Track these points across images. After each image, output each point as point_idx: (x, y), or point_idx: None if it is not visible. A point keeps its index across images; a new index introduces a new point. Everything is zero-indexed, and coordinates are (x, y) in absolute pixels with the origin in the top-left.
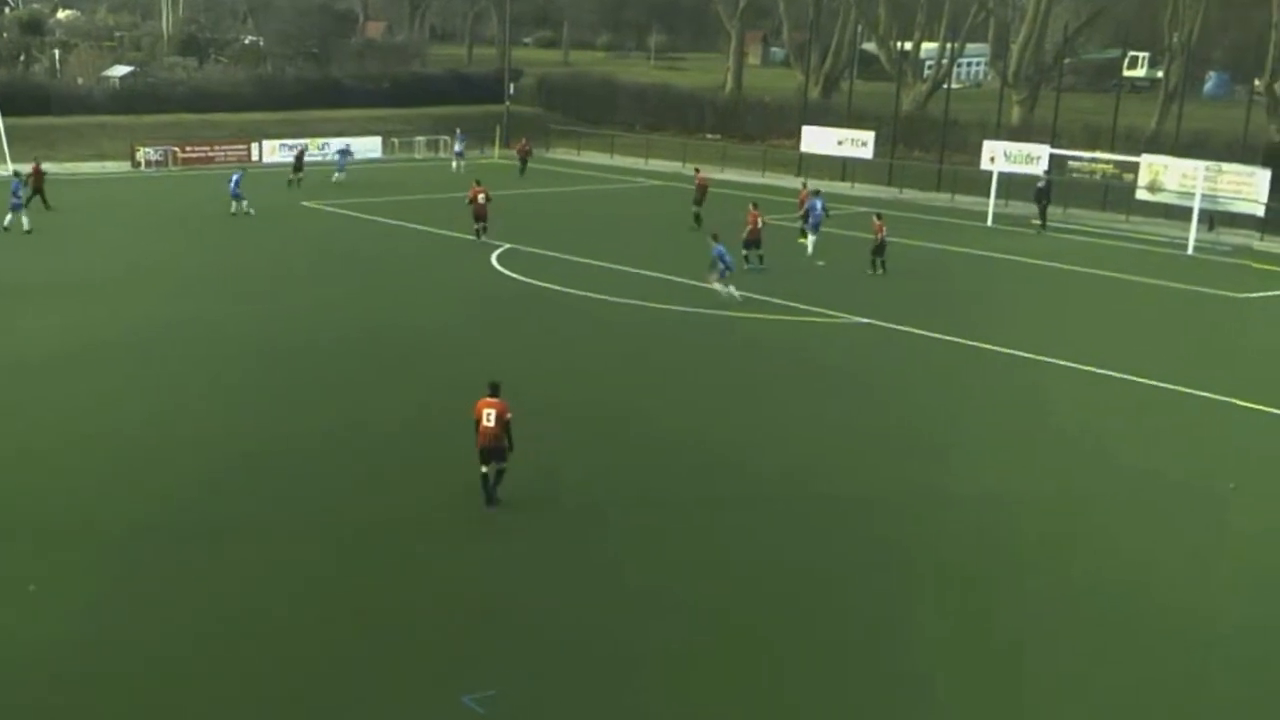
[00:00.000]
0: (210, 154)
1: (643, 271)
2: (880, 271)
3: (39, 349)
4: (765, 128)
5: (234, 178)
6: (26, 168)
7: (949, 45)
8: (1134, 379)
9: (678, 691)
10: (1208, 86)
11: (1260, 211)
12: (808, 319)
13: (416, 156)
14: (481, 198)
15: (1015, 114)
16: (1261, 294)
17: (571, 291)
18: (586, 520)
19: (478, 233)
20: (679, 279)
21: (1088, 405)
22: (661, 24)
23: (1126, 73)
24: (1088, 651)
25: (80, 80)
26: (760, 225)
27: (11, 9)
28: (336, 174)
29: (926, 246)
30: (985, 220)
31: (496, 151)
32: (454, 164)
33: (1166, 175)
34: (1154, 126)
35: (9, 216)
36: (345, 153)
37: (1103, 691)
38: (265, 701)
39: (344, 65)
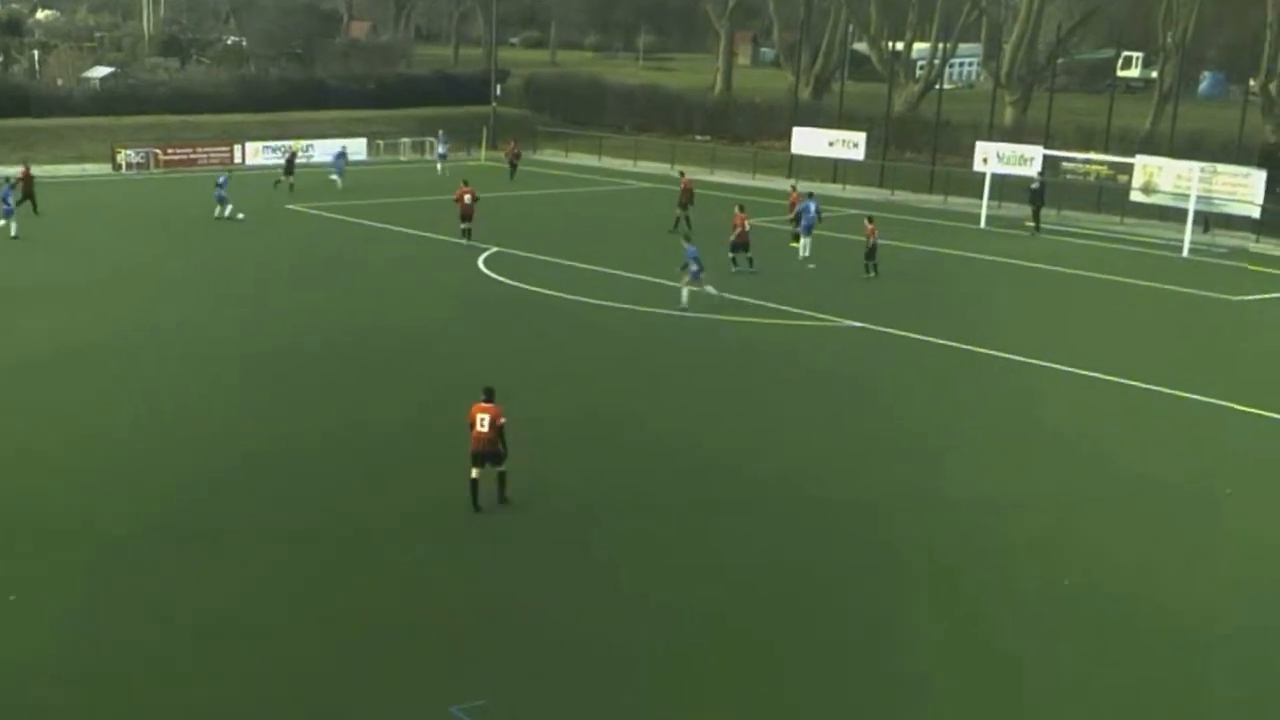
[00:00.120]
0: (192, 156)
1: (632, 275)
2: (872, 274)
3: (26, 352)
4: (755, 129)
5: (220, 180)
6: (11, 170)
7: (941, 45)
8: (1129, 382)
9: (674, 696)
10: (1202, 87)
11: (1256, 213)
12: (800, 322)
13: (402, 158)
14: (468, 198)
15: (1008, 115)
16: (1257, 296)
17: (560, 295)
18: (580, 524)
19: (465, 233)
20: (669, 282)
21: (1083, 409)
22: (650, 24)
23: (1120, 73)
24: (1085, 654)
25: (60, 81)
26: (747, 228)
27: None
28: (334, 177)
29: (919, 249)
30: (978, 222)
31: (483, 153)
32: (438, 166)
33: (1161, 177)
34: (1148, 127)
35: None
36: (342, 155)
37: (1100, 694)
38: (261, 702)
39: (328, 66)
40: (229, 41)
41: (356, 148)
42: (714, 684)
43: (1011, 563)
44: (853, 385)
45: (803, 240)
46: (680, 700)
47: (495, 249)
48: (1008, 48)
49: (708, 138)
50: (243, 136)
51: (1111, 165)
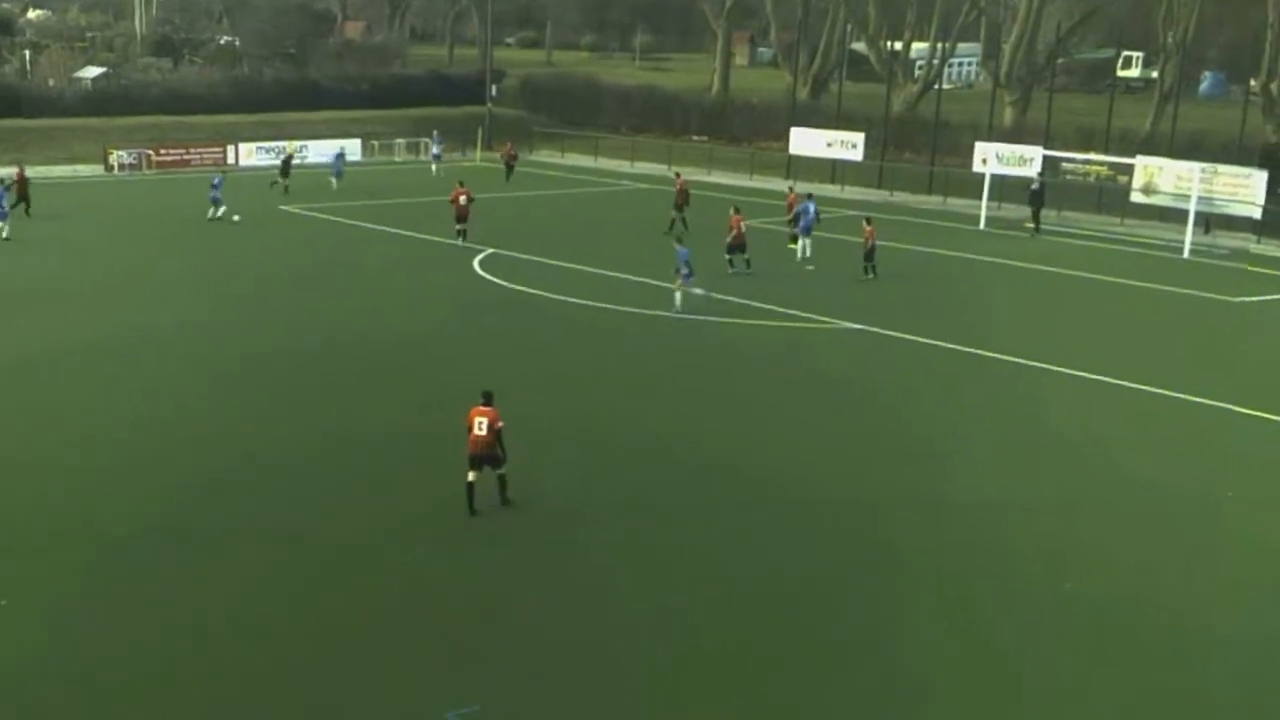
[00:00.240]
0: (185, 157)
1: (628, 276)
2: (870, 276)
3: (21, 354)
4: (753, 130)
5: (215, 181)
6: (6, 172)
7: (940, 45)
8: (1130, 385)
9: (671, 700)
10: (1203, 87)
11: (1257, 214)
12: (798, 324)
13: (397, 159)
14: (464, 199)
15: (1008, 115)
16: (1259, 298)
17: (556, 297)
18: (578, 526)
19: (461, 234)
20: (666, 284)
21: (1083, 411)
22: (646, 24)
23: (1120, 73)
24: (1085, 658)
25: (51, 82)
26: (744, 229)
27: None
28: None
29: (918, 250)
30: (978, 224)
31: (478, 154)
32: (433, 167)
33: (1162, 177)
34: (1149, 128)
35: None
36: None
37: (1100, 698)
38: (259, 703)
39: (322, 66)
40: (222, 41)
41: (351, 148)
42: (710, 688)
43: (1012, 566)
44: (852, 388)
45: (801, 241)
46: (677, 704)
47: (491, 250)
48: (1007, 47)
49: (705, 138)
50: (236, 137)
51: (1112, 166)
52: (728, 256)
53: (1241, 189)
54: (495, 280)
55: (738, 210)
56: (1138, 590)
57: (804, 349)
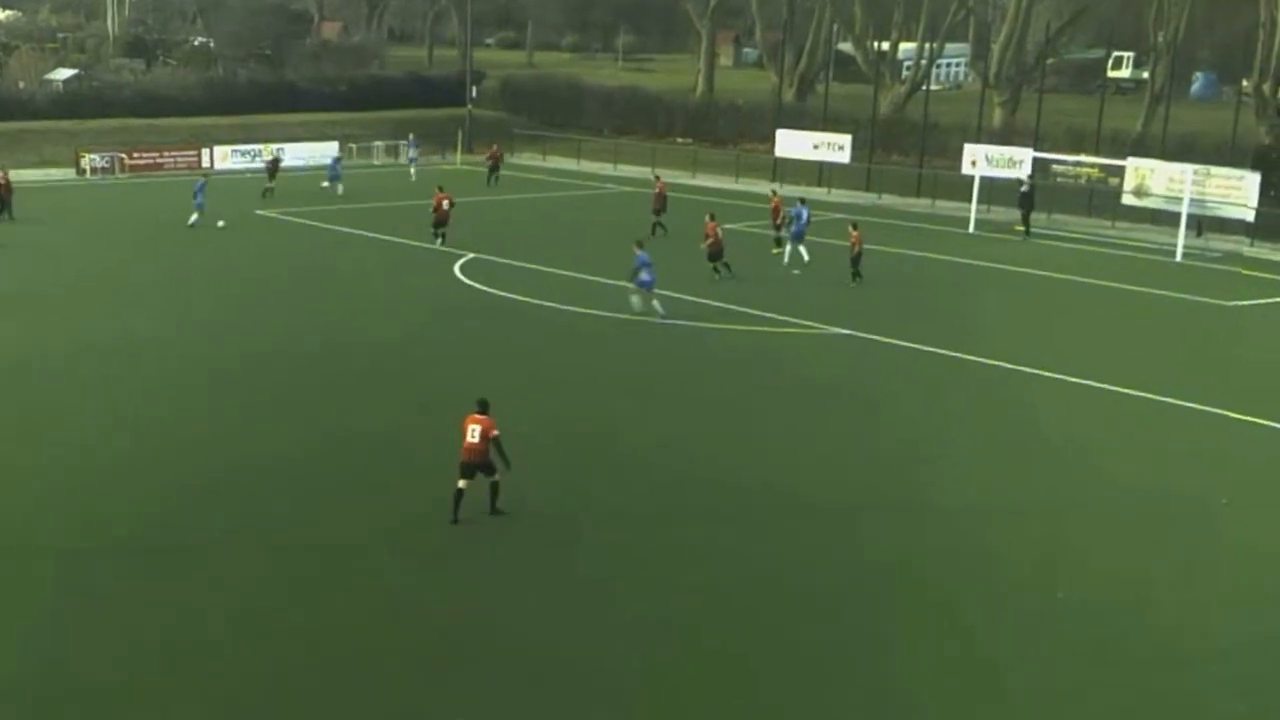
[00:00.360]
0: (159, 160)
1: (611, 281)
2: (855, 281)
3: None
4: (738, 131)
5: (198, 185)
6: None
7: (928, 45)
8: (1122, 390)
9: (656, 714)
10: (1195, 87)
11: (1250, 216)
12: (785, 330)
13: (375, 162)
14: (446, 204)
15: (997, 116)
16: (1252, 302)
17: (538, 302)
18: (561, 536)
19: (441, 237)
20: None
21: (1075, 418)
22: (629, 24)
23: (1111, 73)
24: (1078, 669)
25: (21, 84)
26: (720, 235)
27: None
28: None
29: (906, 254)
30: (967, 226)
31: (458, 157)
32: (411, 171)
33: (1153, 179)
34: (1140, 129)
35: None
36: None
37: (1094, 710)
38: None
39: (299, 68)
40: (196, 42)
41: (328, 151)
42: (704, 697)
43: (1003, 574)
44: (840, 393)
45: (790, 246)
46: (669, 712)
47: (471, 255)
48: (996, 47)
49: (689, 140)
50: (211, 140)
51: (1103, 168)
52: (712, 265)
53: (1234, 191)
54: (476, 285)
55: (713, 217)
56: (1132, 599)
57: (791, 354)
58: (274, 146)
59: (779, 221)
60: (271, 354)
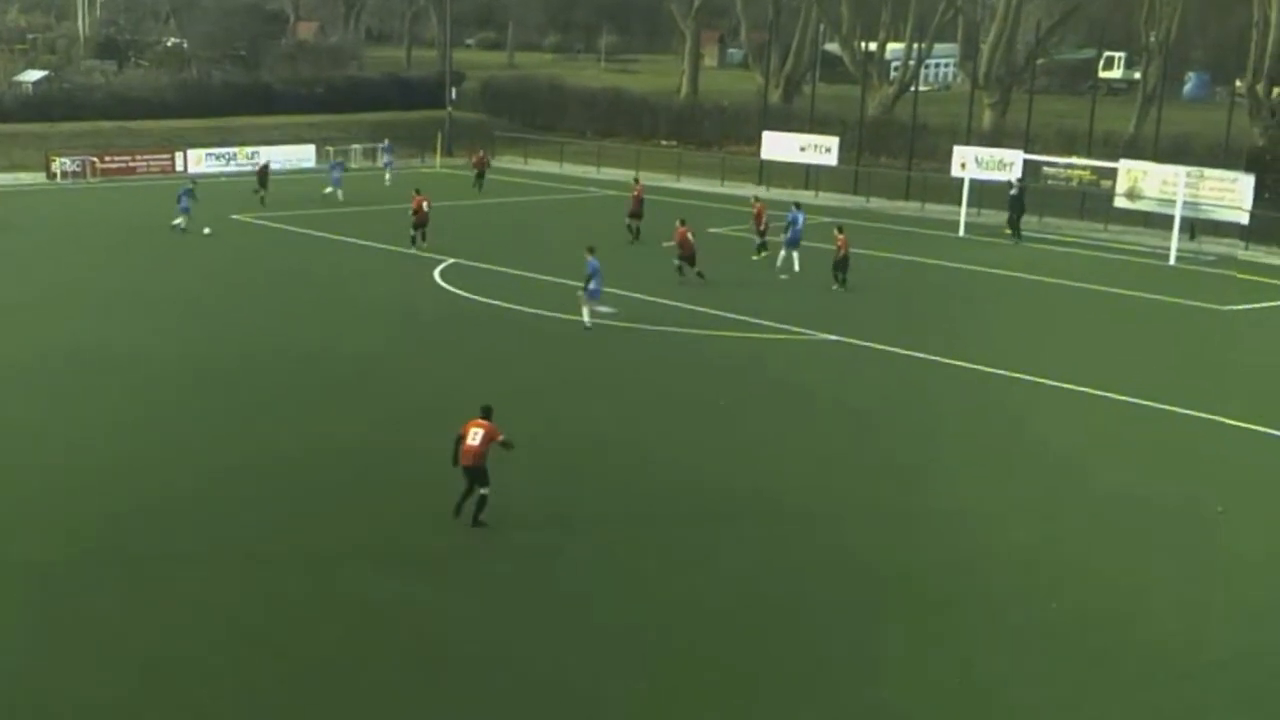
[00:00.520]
0: (131, 164)
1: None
2: (840, 287)
3: None
4: (723, 133)
5: (182, 190)
6: None
7: (916, 45)
8: (1115, 396)
9: None
10: (1187, 88)
11: (1244, 219)
12: (773, 336)
13: (353, 166)
14: (425, 205)
15: (987, 118)
16: (1247, 306)
17: (520, 309)
18: (545, 545)
19: (423, 238)
20: (635, 295)
21: (1067, 425)
22: (612, 24)
23: (1102, 74)
24: (1073, 682)
25: None
26: (691, 239)
27: None
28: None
29: (896, 258)
30: (957, 230)
31: (438, 160)
32: (386, 176)
33: (1146, 181)
34: (1132, 130)
35: None
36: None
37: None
38: None
39: (274, 69)
40: (169, 43)
41: (305, 155)
42: (690, 712)
43: (995, 584)
44: (828, 400)
45: (784, 252)
46: None
47: (451, 260)
48: (985, 48)
49: (674, 143)
50: (184, 143)
51: (1094, 170)
52: (678, 266)
53: (1228, 193)
54: (456, 291)
55: (683, 222)
56: (1126, 608)
57: (779, 360)
58: (250, 150)
59: (762, 228)
60: (248, 362)
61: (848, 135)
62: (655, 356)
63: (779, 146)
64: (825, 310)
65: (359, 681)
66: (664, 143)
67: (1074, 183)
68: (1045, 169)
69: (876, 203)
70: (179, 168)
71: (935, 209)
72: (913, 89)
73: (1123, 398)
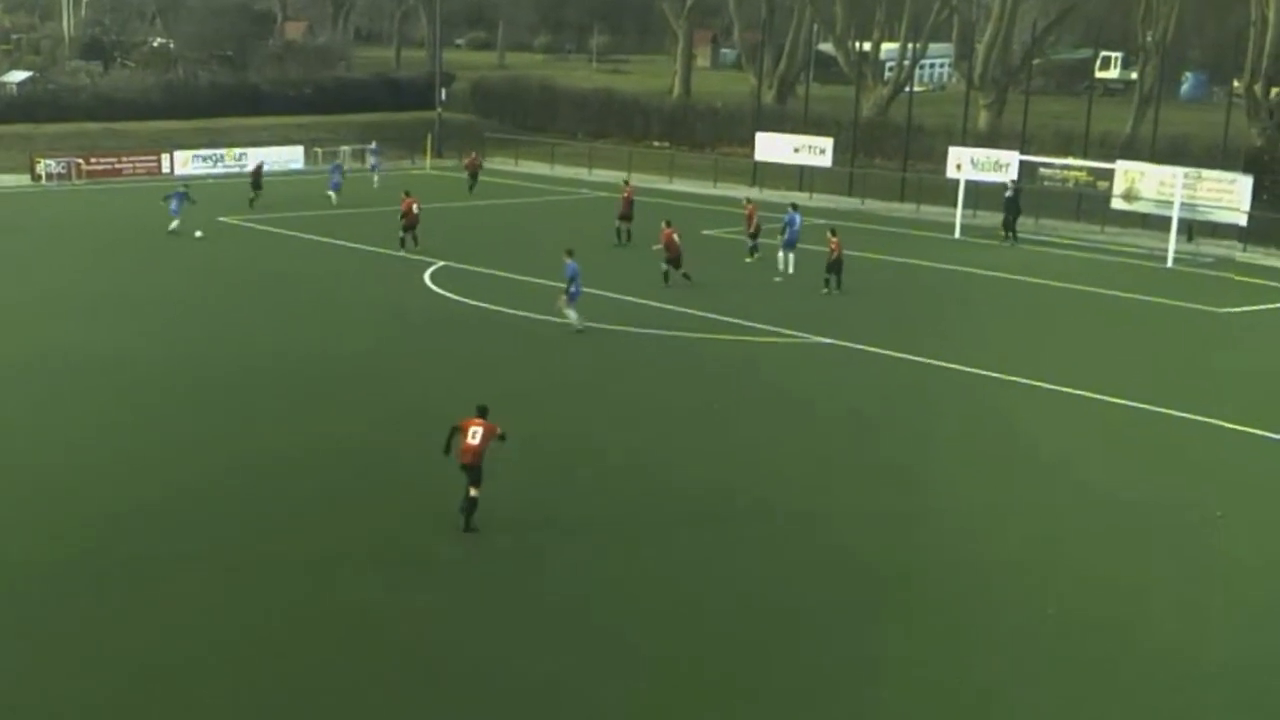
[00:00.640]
0: (117, 166)
1: (587, 290)
2: (832, 290)
3: None
4: (716, 135)
5: (178, 192)
6: None
7: (911, 45)
8: (1113, 400)
9: None
10: (1185, 88)
11: (1242, 221)
12: (767, 339)
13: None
14: (415, 207)
15: (982, 118)
16: (1245, 308)
17: (511, 311)
18: (535, 551)
19: (414, 240)
20: (628, 297)
21: (1064, 429)
22: (603, 24)
23: (1099, 74)
24: (1070, 689)
25: None
26: (678, 241)
27: None
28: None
29: (891, 260)
30: (953, 232)
31: (428, 162)
32: (374, 179)
33: (1143, 183)
34: (1129, 131)
35: None
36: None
37: None
38: None
39: (262, 69)
40: (155, 44)
41: (293, 156)
42: None
43: (991, 589)
44: (823, 404)
45: (781, 254)
46: None
47: (442, 263)
48: (981, 48)
49: (666, 144)
50: (171, 145)
51: (1091, 171)
52: (665, 271)
53: (1226, 195)
54: (447, 294)
55: (669, 224)
56: (1124, 613)
57: (773, 364)
58: (239, 152)
59: (751, 229)
60: (237, 366)
61: (842, 136)
62: (647, 360)
63: (772, 148)
64: (819, 313)
65: (354, 685)
66: (656, 144)
67: (1070, 184)
68: (1041, 170)
69: (871, 204)
70: (165, 169)
71: (930, 211)
72: (908, 89)
73: (1120, 401)
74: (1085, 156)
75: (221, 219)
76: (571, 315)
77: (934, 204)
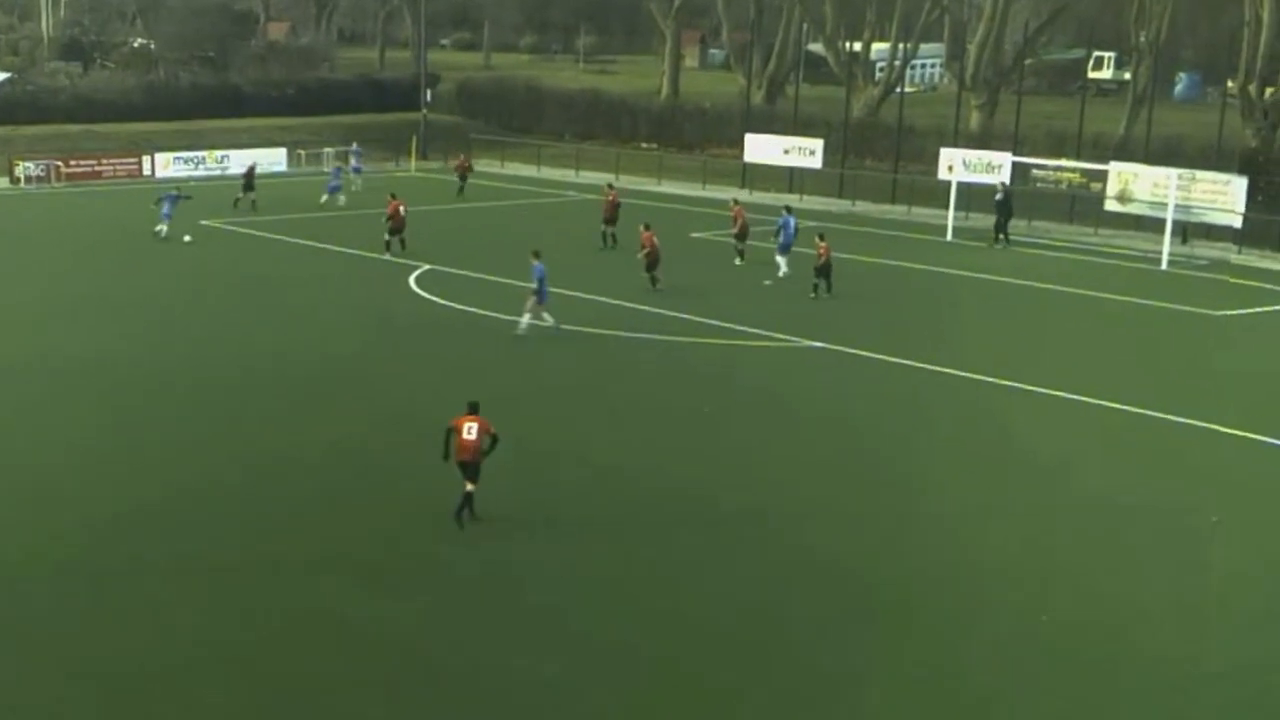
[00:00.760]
0: (97, 168)
1: (574, 293)
2: (821, 294)
3: None
4: (705, 136)
5: (171, 195)
6: None
7: (901, 45)
8: (1107, 404)
9: None
10: (1178, 89)
11: (1237, 222)
12: (757, 343)
13: (325, 169)
14: (401, 210)
15: (974, 119)
16: (1240, 311)
17: (497, 315)
18: (523, 555)
19: (401, 243)
20: (615, 301)
21: (1059, 433)
22: (590, 24)
23: (1091, 74)
24: (1066, 695)
25: None
26: (656, 245)
27: None
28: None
29: (882, 263)
30: (944, 234)
31: (413, 164)
32: (356, 181)
33: (1137, 184)
34: (1122, 132)
35: None
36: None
37: None
38: None
39: (244, 70)
40: (136, 44)
41: (276, 158)
42: None
43: (986, 595)
44: (813, 409)
45: (778, 258)
46: None
47: (427, 267)
48: (972, 48)
49: (654, 145)
50: (152, 147)
51: (1084, 172)
52: (649, 275)
53: (1220, 196)
54: (433, 299)
55: (648, 227)
56: (1119, 619)
57: (763, 368)
58: (220, 154)
59: (736, 231)
60: (219, 372)
61: (832, 137)
62: (636, 364)
63: (762, 149)
64: (810, 317)
65: (354, 686)
66: (644, 145)
67: (1063, 185)
68: (1034, 171)
69: (862, 206)
70: (146, 172)
71: (922, 212)
72: (898, 90)
73: (1114, 405)
74: (1078, 158)
75: (204, 222)
76: (545, 316)
77: (925, 206)
